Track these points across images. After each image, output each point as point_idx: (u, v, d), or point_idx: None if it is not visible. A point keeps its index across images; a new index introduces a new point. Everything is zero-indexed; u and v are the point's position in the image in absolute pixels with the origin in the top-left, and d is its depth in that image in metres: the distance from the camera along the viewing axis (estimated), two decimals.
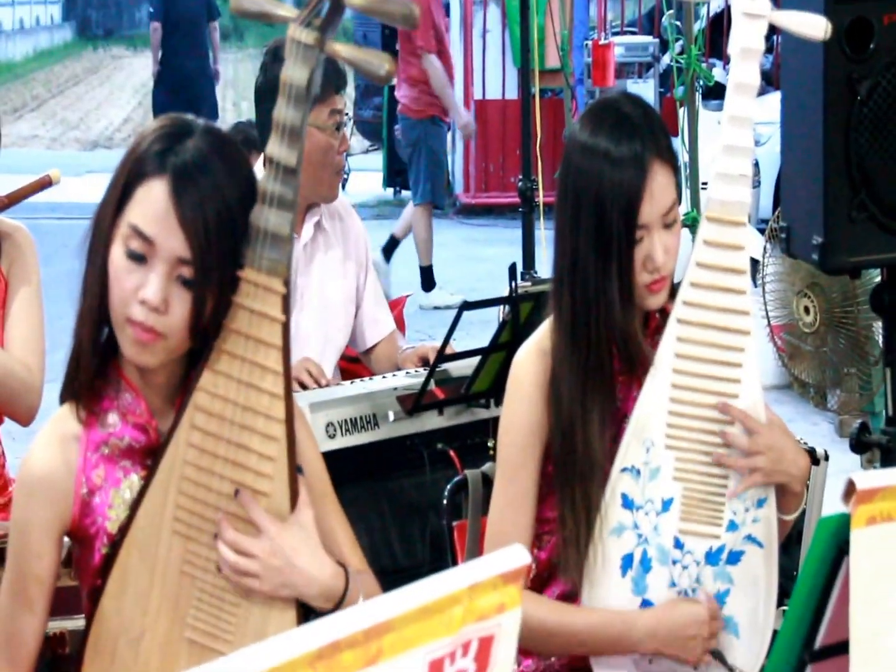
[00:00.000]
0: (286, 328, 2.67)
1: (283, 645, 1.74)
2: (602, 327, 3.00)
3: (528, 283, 5.00)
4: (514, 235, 6.41)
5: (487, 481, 3.21)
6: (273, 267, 2.63)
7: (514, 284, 4.64)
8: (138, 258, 2.61)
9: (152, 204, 2.61)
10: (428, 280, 10.66)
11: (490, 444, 3.66)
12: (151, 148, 2.65)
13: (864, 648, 2.22)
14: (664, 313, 3.02)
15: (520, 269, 5.72)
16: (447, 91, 8.15)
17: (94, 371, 2.74)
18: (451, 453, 3.81)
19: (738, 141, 2.99)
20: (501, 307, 4.23)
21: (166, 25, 13.22)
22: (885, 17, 3.38)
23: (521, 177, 6.13)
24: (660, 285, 3.02)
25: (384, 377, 4.23)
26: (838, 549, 2.23)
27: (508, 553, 2.07)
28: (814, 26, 3.00)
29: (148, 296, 2.58)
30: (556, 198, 3.10)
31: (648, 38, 13.95)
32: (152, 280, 2.59)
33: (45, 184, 4.12)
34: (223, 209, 2.63)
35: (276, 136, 2.64)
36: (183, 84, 12.59)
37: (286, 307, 2.66)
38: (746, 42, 2.98)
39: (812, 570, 2.36)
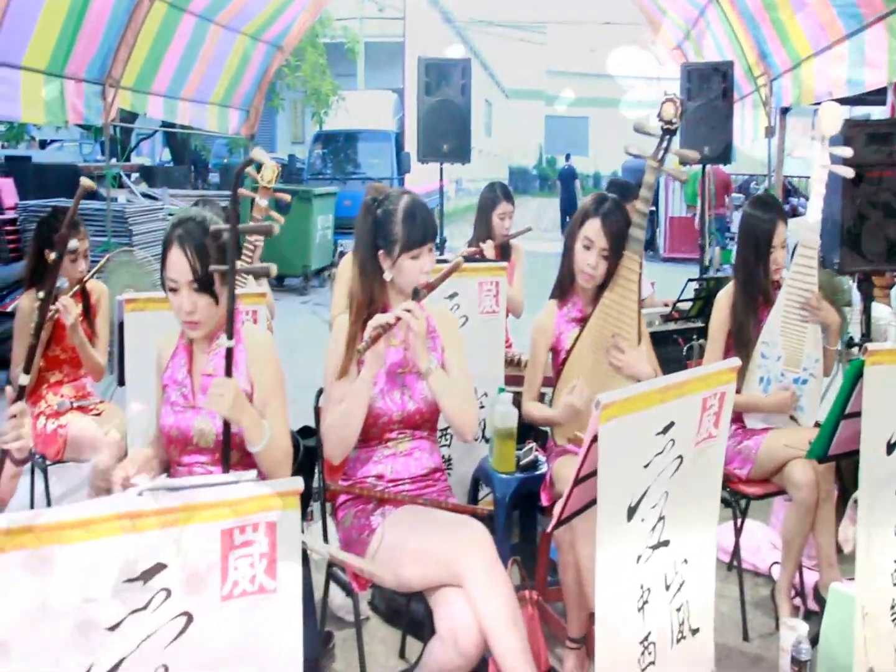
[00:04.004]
0: (640, 275, 2.73)
1: (637, 387, 1.86)
2: (755, 285, 3.04)
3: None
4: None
5: (700, 348, 3.31)
6: (636, 249, 2.71)
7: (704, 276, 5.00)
8: (587, 248, 2.72)
9: (593, 227, 2.71)
10: None
11: (695, 335, 3.72)
12: (591, 206, 2.75)
13: (869, 415, 2.18)
14: (779, 283, 3.05)
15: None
16: None
17: (566, 287, 2.82)
18: (680, 339, 3.79)
19: (814, 219, 2.98)
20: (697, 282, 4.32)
21: (562, 182, 16.30)
22: (867, 173, 3.49)
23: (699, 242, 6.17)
24: (778, 271, 3.05)
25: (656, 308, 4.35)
26: (858, 373, 2.24)
27: (728, 361, 2.10)
28: (847, 172, 3.04)
29: (591, 262, 2.71)
30: (737, 236, 3.16)
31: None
32: (592, 256, 2.72)
33: (527, 230, 4.27)
34: (620, 227, 2.70)
35: (641, 202, 2.70)
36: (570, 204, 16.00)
37: (640, 266, 2.72)
38: (820, 178, 2.97)
39: (847, 382, 2.34)
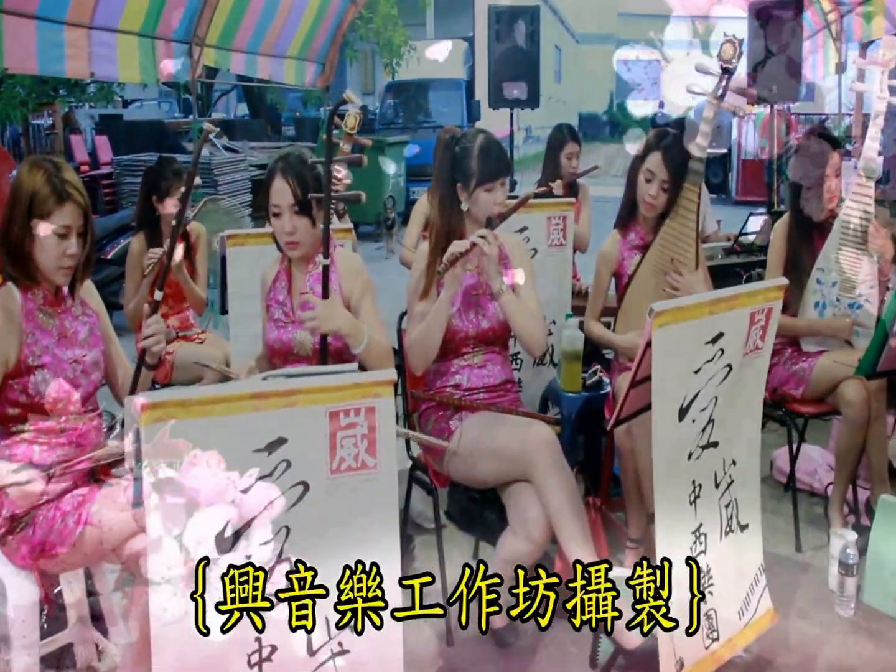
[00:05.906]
0: (698, 204, 2.75)
1: (688, 298, 2.00)
2: (807, 215, 3.06)
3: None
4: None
5: (759, 278, 3.38)
6: (695, 181, 2.73)
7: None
8: (648, 180, 2.79)
9: (655, 160, 2.78)
10: None
11: (756, 268, 3.76)
12: (652, 141, 2.80)
13: None
14: (834, 212, 3.07)
15: None
16: None
17: (628, 217, 2.90)
18: (742, 272, 3.84)
19: (874, 142, 2.99)
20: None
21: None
22: None
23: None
24: (832, 200, 3.06)
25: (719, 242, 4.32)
26: None
27: (776, 280, 2.21)
28: None
29: (652, 193, 2.79)
30: (791, 163, 3.19)
31: None
32: (653, 187, 2.79)
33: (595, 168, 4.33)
34: (680, 160, 2.73)
35: (700, 135, 2.70)
36: None
37: (699, 196, 2.74)
38: (878, 109, 2.98)
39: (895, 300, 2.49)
